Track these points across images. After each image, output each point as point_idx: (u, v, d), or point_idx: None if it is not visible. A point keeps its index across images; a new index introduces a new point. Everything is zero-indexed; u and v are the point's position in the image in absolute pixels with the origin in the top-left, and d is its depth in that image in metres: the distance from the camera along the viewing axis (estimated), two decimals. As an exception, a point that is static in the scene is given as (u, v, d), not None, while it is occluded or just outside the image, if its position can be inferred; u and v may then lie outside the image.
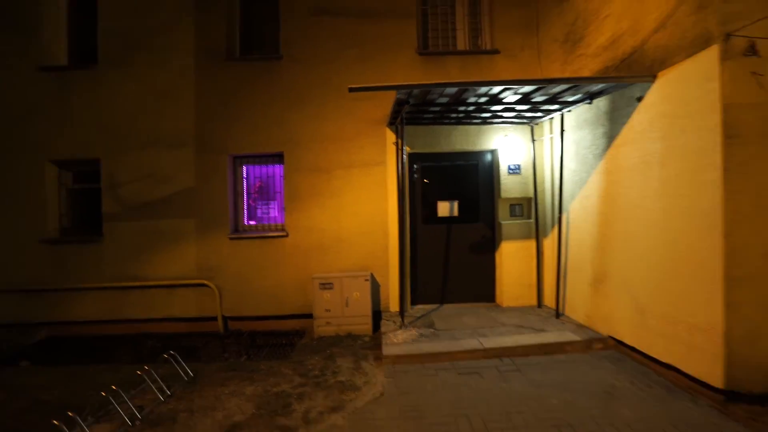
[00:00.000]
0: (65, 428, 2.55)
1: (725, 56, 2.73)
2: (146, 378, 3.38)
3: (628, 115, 3.65)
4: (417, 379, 3.58)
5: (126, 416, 2.94)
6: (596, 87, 3.61)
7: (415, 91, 3.54)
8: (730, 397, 2.86)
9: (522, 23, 5.47)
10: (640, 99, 3.50)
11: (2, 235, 5.44)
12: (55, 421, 2.58)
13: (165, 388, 3.42)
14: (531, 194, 5.36)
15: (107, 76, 5.58)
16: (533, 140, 5.29)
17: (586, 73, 4.38)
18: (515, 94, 3.77)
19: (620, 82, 3.47)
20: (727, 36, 2.73)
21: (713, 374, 2.88)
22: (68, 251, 5.55)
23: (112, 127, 5.55)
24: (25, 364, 4.51)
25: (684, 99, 3.04)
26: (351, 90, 3.53)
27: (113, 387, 3.11)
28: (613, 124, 3.87)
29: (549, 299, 5.20)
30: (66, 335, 5.48)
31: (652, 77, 3.33)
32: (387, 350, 4.09)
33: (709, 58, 2.81)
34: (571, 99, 4.01)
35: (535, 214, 5.29)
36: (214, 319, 5.44)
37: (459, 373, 3.68)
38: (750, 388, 2.81)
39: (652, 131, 3.37)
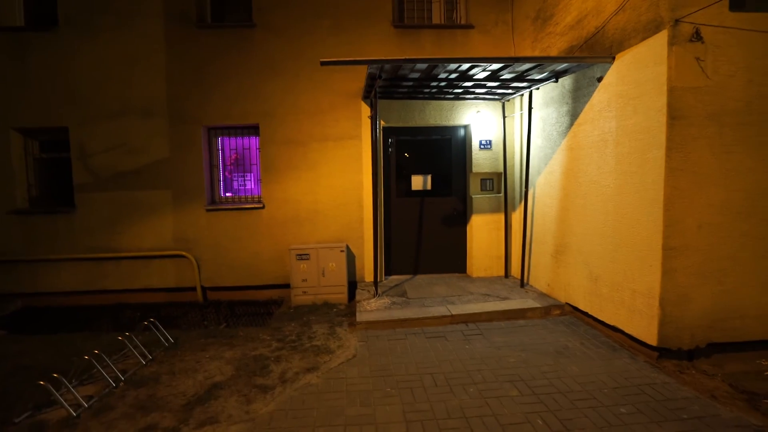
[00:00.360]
0: (51, 388, 2.68)
1: (673, 41, 2.91)
2: (128, 344, 3.52)
3: (590, 95, 3.84)
4: (387, 343, 3.84)
5: (110, 378, 3.09)
6: (560, 66, 3.76)
7: (387, 66, 3.61)
8: (662, 353, 3.23)
9: (495, 0, 5.50)
10: (600, 79, 3.68)
11: (-32, 206, 5.32)
12: (41, 382, 2.71)
13: (146, 353, 3.57)
14: (501, 169, 5.57)
15: (69, 40, 5.36)
16: (504, 117, 5.45)
17: (554, 52, 4.52)
18: (484, 71, 3.88)
19: (582, 62, 3.63)
20: (676, 22, 2.90)
21: (649, 334, 3.23)
22: (39, 222, 5.48)
23: (79, 95, 5.39)
24: (2, 333, 4.56)
25: (637, 80, 3.23)
26: (323, 63, 3.56)
27: (95, 352, 3.24)
28: (576, 103, 4.06)
29: (516, 270, 5.53)
30: (43, 305, 5.51)
31: (611, 58, 3.50)
32: (360, 317, 4.33)
33: (660, 42, 2.99)
34: (538, 77, 4.15)
35: (504, 189, 5.53)
36: (193, 289, 5.56)
37: (427, 337, 3.96)
38: (679, 345, 3.18)
39: (609, 110, 3.57)
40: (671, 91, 2.94)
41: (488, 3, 5.51)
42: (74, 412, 2.68)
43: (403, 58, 3.48)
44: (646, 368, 3.19)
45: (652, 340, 3.20)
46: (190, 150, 5.45)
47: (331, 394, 2.92)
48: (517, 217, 5.50)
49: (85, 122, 5.41)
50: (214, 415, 2.67)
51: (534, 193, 5.03)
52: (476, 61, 3.47)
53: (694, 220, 3.05)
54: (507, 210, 5.56)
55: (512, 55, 5.42)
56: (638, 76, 3.22)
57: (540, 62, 3.54)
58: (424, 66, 3.62)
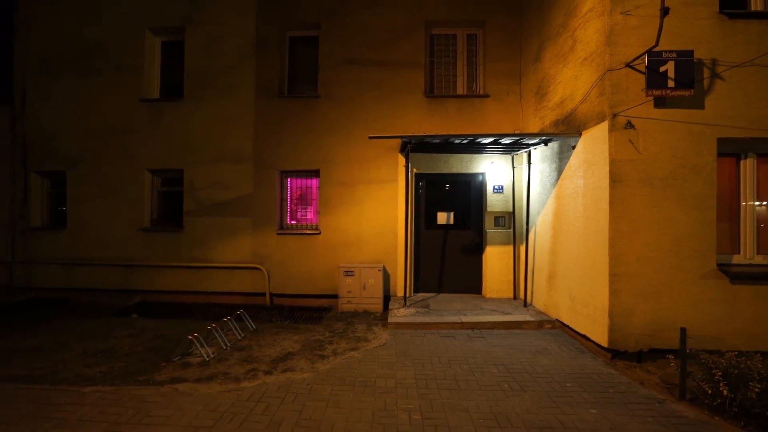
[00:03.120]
0: (196, 341, 4.26)
1: (612, 128, 4.18)
2: (230, 324, 5.10)
3: (569, 157, 5.10)
4: (410, 338, 5.14)
5: (222, 344, 4.64)
6: (534, 140, 5.09)
7: (414, 140, 5.12)
8: (615, 355, 4.29)
9: (508, 74, 6.95)
10: (574, 147, 4.95)
11: (114, 224, 7.37)
12: (189, 336, 4.30)
13: (239, 333, 5.12)
14: (511, 209, 6.83)
15: (188, 106, 7.41)
16: (513, 167, 6.76)
17: (547, 121, 5.84)
18: (485, 139, 5.28)
19: (554, 137, 4.94)
20: (614, 116, 4.18)
21: (603, 339, 4.32)
22: (156, 237, 7.41)
23: (192, 146, 7.37)
24: (134, 316, 6.35)
25: (593, 151, 4.49)
26: (371, 138, 5.17)
27: (209, 327, 4.82)
28: (561, 162, 5.32)
29: (522, 293, 6.65)
30: (153, 300, 7.34)
31: (579, 134, 4.78)
32: (391, 319, 5.67)
33: (603, 128, 4.26)
34: (531, 142, 5.48)
35: (513, 226, 6.76)
36: (263, 295, 7.17)
37: (440, 336, 5.22)
38: (626, 347, 4.24)
39: (579, 171, 4.82)
40: (612, 162, 4.18)
41: (501, 78, 6.96)
42: (206, 358, 4.24)
43: (424, 135, 5.00)
44: (600, 365, 4.26)
45: (605, 343, 4.29)
46: (267, 188, 7.21)
47: (366, 362, 4.28)
48: (523, 249, 6.68)
49: (195, 165, 7.36)
50: (291, 367, 4.11)
51: (535, 230, 6.23)
52: (476, 136, 4.91)
53: (633, 255, 4.18)
54: (515, 243, 6.76)
55: (520, 120, 6.80)
56: (594, 149, 4.48)
57: (521, 137, 4.91)
58: (438, 140, 5.09)
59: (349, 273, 6.63)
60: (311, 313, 6.78)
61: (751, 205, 4.44)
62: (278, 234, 7.15)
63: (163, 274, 7.37)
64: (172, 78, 7.76)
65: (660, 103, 4.17)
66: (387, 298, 6.84)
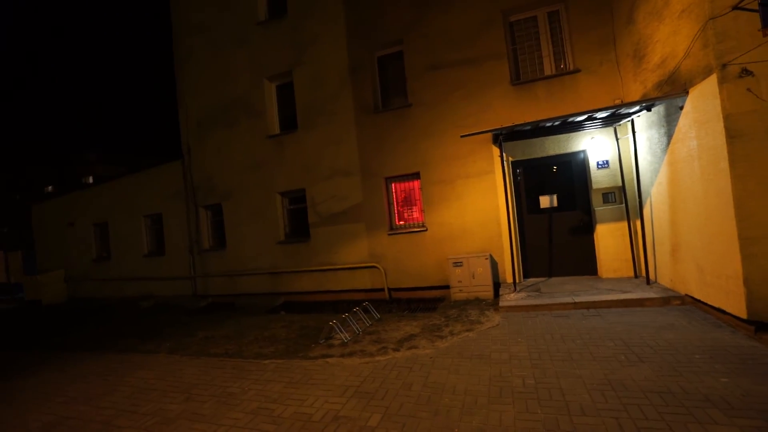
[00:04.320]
0: (335, 327, 5.22)
1: (722, 81, 3.86)
2: (359, 314, 6.00)
3: (677, 120, 4.76)
4: (522, 319, 5.36)
5: (355, 329, 5.54)
6: (639, 106, 4.84)
7: (504, 131, 5.35)
8: (760, 327, 3.92)
9: (599, 42, 6.60)
10: (681, 108, 4.62)
11: (259, 240, 9.10)
12: (330, 322, 5.29)
13: (366, 322, 5.98)
14: (620, 183, 6.47)
15: (303, 134, 8.75)
16: (617, 138, 6.40)
17: (649, 84, 5.46)
18: (579, 116, 5.23)
19: (656, 101, 4.66)
20: (723, 66, 3.86)
21: (742, 310, 3.98)
22: (290, 248, 8.89)
23: (309, 167, 8.68)
24: (282, 313, 7.77)
25: (704, 109, 4.17)
26: (462, 136, 5.59)
27: (343, 316, 5.76)
28: (669, 126, 4.98)
29: (643, 270, 6.24)
30: (293, 300, 8.81)
31: (685, 93, 4.46)
32: (502, 303, 5.94)
33: (712, 81, 3.95)
34: (630, 111, 5.23)
35: (625, 200, 6.39)
36: (382, 290, 8.04)
37: (553, 316, 5.32)
38: (771, 317, 3.84)
39: (690, 132, 4.49)
40: (727, 117, 3.86)
41: (592, 48, 6.66)
42: (345, 340, 5.15)
43: (513, 125, 5.20)
44: (741, 338, 3.93)
45: (744, 315, 3.94)
46: (375, 195, 8.09)
47: (481, 341, 4.69)
48: (638, 223, 6.26)
49: (313, 183, 8.64)
50: (415, 345, 4.75)
51: (651, 202, 5.84)
52: (567, 117, 4.93)
53: (766, 214, 3.79)
54: (629, 218, 6.37)
55: (619, 88, 6.42)
56: (705, 106, 4.17)
57: (617, 109, 4.76)
58: (528, 127, 5.23)
59: (457, 264, 7.07)
60: (427, 303, 7.38)
61: None
62: (389, 234, 7.96)
63: (299, 278, 8.79)
64: (287, 114, 9.25)
65: (780, 43, 3.72)
66: (497, 285, 7.08)
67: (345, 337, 5.28)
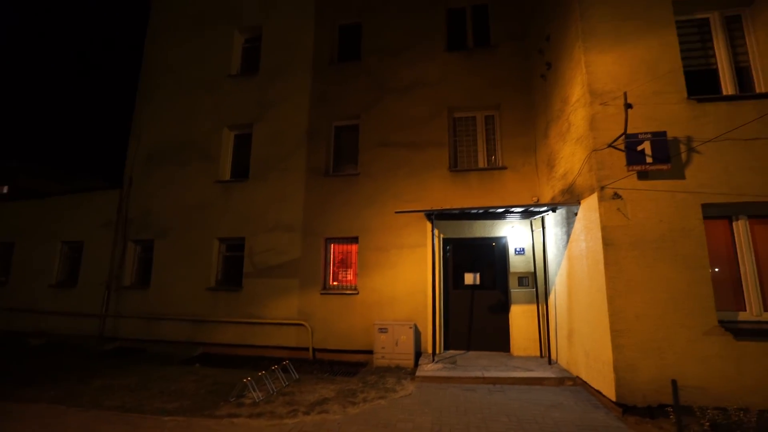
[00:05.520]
0: (249, 385, 5.11)
1: (601, 199, 4.81)
2: (277, 374, 5.91)
3: (574, 223, 5.69)
4: (434, 390, 5.61)
5: (269, 389, 5.44)
6: (543, 209, 5.76)
7: (435, 212, 6.02)
8: (627, 410, 4.50)
9: (523, 147, 7.81)
10: (576, 214, 5.56)
11: (187, 284, 8.76)
12: (244, 379, 5.16)
13: (284, 381, 5.89)
14: (532, 270, 7.29)
15: (252, 185, 8.97)
16: (532, 230, 7.35)
17: (557, 190, 6.52)
18: (498, 209, 6.04)
19: (557, 206, 5.60)
20: (602, 188, 4.83)
21: (612, 393, 4.57)
22: (220, 296, 8.64)
23: (252, 218, 8.79)
24: (198, 365, 7.36)
25: (590, 219, 5.08)
26: (397, 212, 6.14)
27: (259, 374, 5.66)
28: (569, 227, 5.90)
29: (547, 351, 6.86)
30: (212, 353, 8.37)
31: (578, 203, 5.42)
32: (419, 373, 6.17)
33: (594, 198, 4.90)
34: (540, 210, 6.15)
35: (536, 285, 7.18)
36: (306, 349, 7.95)
37: (462, 389, 5.63)
38: (634, 402, 4.45)
39: (581, 235, 5.38)
40: (603, 228, 4.75)
41: (517, 151, 7.83)
42: (257, 399, 5.03)
43: (443, 208, 5.87)
44: (611, 419, 4.47)
45: (613, 397, 4.53)
46: (313, 252, 8.31)
47: (391, 409, 4.84)
48: (544, 307, 7.01)
49: (254, 234, 8.71)
50: (326, 409, 4.78)
51: (555, 290, 6.63)
52: (488, 208, 5.71)
53: (632, 312, 4.56)
54: (538, 301, 7.12)
55: (536, 188, 7.52)
56: (590, 216, 5.08)
57: (526, 207, 5.62)
58: (457, 211, 5.95)
59: (383, 330, 7.29)
60: (349, 367, 7.39)
61: (751, 264, 4.70)
62: (321, 294, 8.08)
63: (223, 329, 8.46)
64: (240, 163, 9.49)
65: (643, 175, 4.78)
66: (418, 354, 7.34)
67: (257, 396, 5.17)
